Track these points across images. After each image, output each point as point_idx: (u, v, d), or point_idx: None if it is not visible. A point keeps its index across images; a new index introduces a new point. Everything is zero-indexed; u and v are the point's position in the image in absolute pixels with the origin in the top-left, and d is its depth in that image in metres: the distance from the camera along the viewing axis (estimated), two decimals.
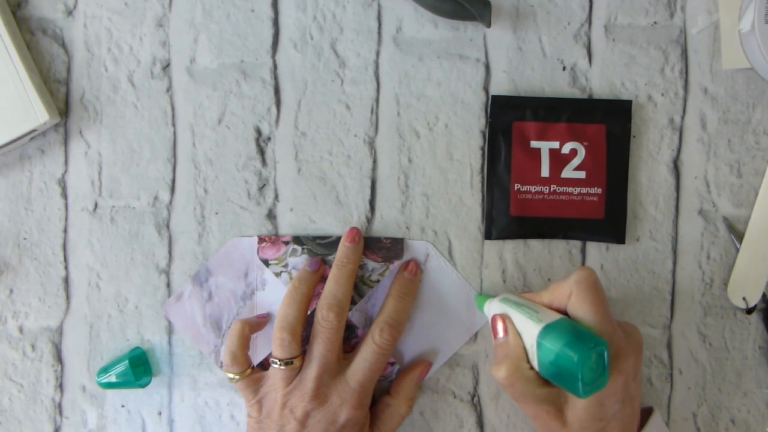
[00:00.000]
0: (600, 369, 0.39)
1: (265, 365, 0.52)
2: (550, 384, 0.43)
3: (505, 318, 0.45)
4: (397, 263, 0.51)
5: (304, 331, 0.49)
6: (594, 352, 0.39)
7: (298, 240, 0.51)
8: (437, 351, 0.52)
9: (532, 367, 0.43)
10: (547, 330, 0.41)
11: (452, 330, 0.52)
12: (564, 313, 0.43)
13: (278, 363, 0.47)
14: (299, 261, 0.51)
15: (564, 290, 0.43)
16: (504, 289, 0.52)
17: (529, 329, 0.42)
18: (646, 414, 0.47)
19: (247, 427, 0.48)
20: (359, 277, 0.51)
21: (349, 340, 0.51)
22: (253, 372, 0.48)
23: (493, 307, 0.47)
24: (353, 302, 0.51)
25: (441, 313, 0.52)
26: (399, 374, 0.51)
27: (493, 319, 0.45)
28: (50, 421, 0.53)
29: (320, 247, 0.51)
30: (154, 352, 0.53)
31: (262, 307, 0.52)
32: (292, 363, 0.47)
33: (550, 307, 0.44)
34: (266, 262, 0.51)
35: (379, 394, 0.51)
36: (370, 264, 0.51)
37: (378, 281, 0.51)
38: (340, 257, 0.50)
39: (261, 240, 0.52)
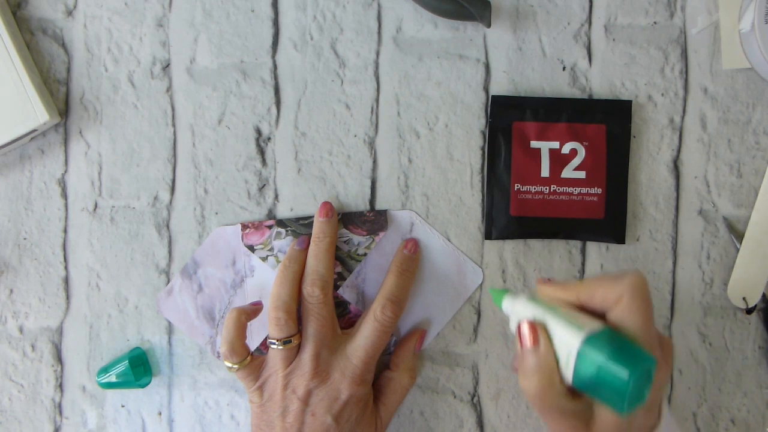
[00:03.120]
0: (643, 385, 0.37)
1: (262, 350, 0.52)
2: (578, 397, 0.40)
3: (537, 325, 0.40)
4: (382, 234, 0.51)
5: (298, 311, 0.49)
6: (645, 368, 0.36)
7: (281, 223, 0.52)
8: (432, 319, 0.52)
9: (562, 379, 0.39)
10: (591, 341, 0.37)
11: (445, 296, 0.52)
12: (601, 314, 0.40)
13: (276, 343, 0.47)
14: (284, 243, 0.51)
15: (612, 293, 0.39)
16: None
17: (564, 337, 0.38)
18: None
19: (251, 415, 0.48)
20: (346, 252, 0.51)
21: (344, 315, 0.51)
22: (252, 359, 0.48)
23: (519, 308, 0.42)
24: (343, 278, 0.51)
25: (432, 280, 0.52)
26: (396, 347, 0.51)
27: (520, 326, 0.41)
28: (50, 422, 0.53)
29: (303, 227, 0.51)
30: (154, 352, 0.53)
31: (253, 294, 0.52)
32: (290, 342, 0.47)
33: (587, 305, 0.41)
34: (252, 248, 0.52)
35: (379, 368, 0.51)
36: (356, 238, 0.51)
37: (365, 255, 0.51)
38: (316, 233, 0.50)
39: (244, 227, 0.52)
